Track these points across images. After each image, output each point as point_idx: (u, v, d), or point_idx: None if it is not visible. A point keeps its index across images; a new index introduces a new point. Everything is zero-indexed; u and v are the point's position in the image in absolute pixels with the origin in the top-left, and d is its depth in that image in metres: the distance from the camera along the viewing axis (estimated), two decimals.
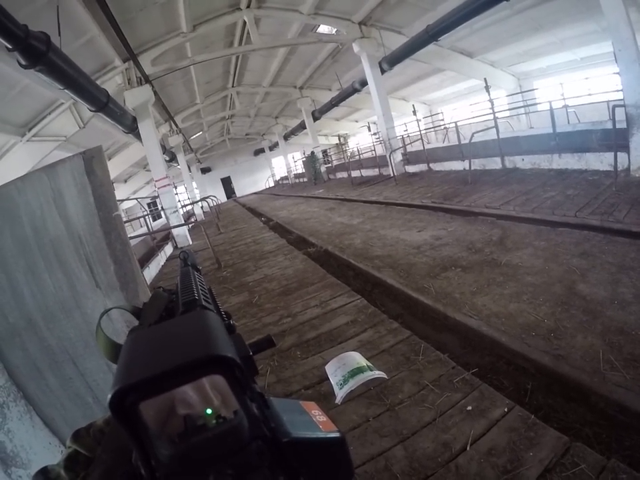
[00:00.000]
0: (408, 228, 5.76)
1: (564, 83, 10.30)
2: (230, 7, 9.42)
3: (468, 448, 1.54)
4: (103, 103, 7.35)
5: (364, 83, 11.71)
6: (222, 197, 28.02)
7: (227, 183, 31.27)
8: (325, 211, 9.40)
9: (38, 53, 4.87)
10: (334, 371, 2.33)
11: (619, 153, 4.90)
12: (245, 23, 9.89)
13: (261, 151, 30.40)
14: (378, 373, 2.20)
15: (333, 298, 3.63)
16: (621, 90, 5.13)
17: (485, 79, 7.73)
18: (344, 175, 15.81)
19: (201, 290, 0.49)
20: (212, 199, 13.42)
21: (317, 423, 0.34)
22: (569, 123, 6.66)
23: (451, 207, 6.22)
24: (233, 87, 15.75)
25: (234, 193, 31.06)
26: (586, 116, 7.31)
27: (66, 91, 6.16)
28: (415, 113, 12.00)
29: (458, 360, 2.33)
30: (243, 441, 0.27)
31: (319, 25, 10.91)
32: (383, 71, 10.86)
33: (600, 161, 5.37)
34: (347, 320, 3.13)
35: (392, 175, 10.57)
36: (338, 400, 2.05)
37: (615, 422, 1.59)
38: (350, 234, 6.29)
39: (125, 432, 0.24)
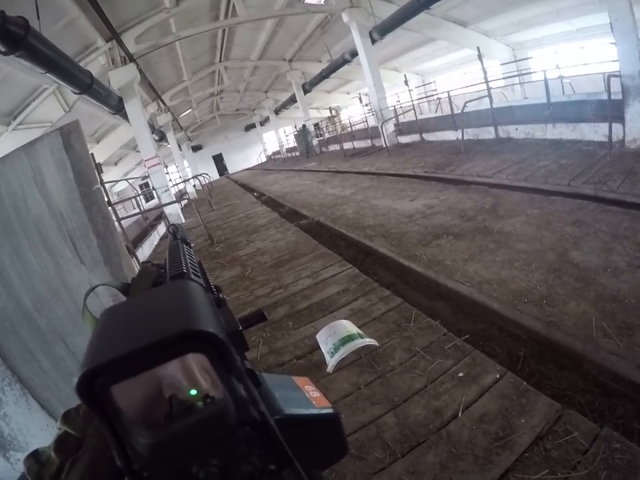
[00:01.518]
0: (400, 197, 5.64)
1: (559, 53, 9.91)
2: None
3: (459, 415, 1.49)
4: (87, 85, 7.08)
5: (354, 54, 11.18)
6: (214, 175, 27.48)
7: (218, 160, 30.61)
8: (317, 183, 9.19)
9: (17, 37, 4.72)
10: (325, 340, 2.26)
11: (613, 124, 4.74)
12: None
13: (252, 126, 29.52)
14: (369, 341, 2.12)
15: (325, 268, 3.55)
16: (617, 61, 4.88)
17: (478, 48, 7.34)
18: (336, 147, 15.43)
19: (190, 263, 0.47)
20: (204, 177, 13.13)
21: (310, 399, 0.32)
22: (563, 93, 6.41)
23: (444, 176, 6.06)
24: (220, 62, 15.10)
25: (226, 169, 30.46)
26: (581, 87, 7.03)
27: (48, 75, 5.95)
28: (406, 83, 11.53)
29: (450, 327, 2.27)
30: (229, 426, 0.24)
31: None
32: (373, 41, 10.36)
33: (594, 132, 5.20)
34: (339, 289, 3.06)
35: (384, 145, 10.29)
36: (329, 369, 1.99)
37: (607, 390, 1.54)
38: (342, 205, 6.16)
39: (97, 419, 0.21)
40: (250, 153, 30.24)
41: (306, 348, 2.34)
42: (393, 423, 1.54)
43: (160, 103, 14.19)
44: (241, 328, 0.29)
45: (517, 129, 6.67)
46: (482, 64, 7.29)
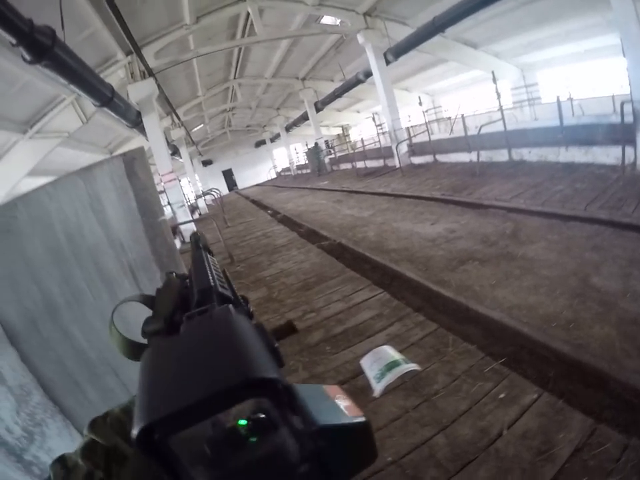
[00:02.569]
0: (420, 221, 5.88)
1: (568, 75, 10.23)
2: None
3: (504, 433, 1.72)
4: (108, 98, 7.25)
5: (368, 74, 11.70)
6: (224, 190, 28.20)
7: (228, 175, 31.46)
8: (333, 203, 9.47)
9: (43, 47, 4.75)
10: (370, 365, 2.53)
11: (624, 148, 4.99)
12: (248, 14, 9.85)
13: (262, 142, 30.52)
14: (412, 366, 2.40)
15: (355, 292, 3.72)
16: (627, 84, 5.18)
17: (493, 72, 7.75)
18: (347, 166, 15.88)
19: (216, 274, 0.46)
20: (215, 192, 13.51)
21: (342, 408, 0.33)
22: (573, 115, 6.72)
23: (461, 199, 6.31)
24: (234, 78, 15.76)
25: (235, 185, 31.22)
26: (590, 108, 7.35)
27: (71, 85, 6.06)
28: (420, 103, 11.99)
29: (483, 351, 2.49)
30: (292, 464, 0.25)
31: (323, 16, 10.88)
32: (387, 62, 10.87)
33: (606, 155, 5.46)
34: (372, 314, 3.24)
35: (398, 166, 10.65)
36: (377, 393, 2.25)
37: (631, 405, 1.78)
38: (362, 227, 6.40)
39: (157, 468, 0.23)
40: (260, 169, 31.09)
41: (348, 373, 2.51)
42: (443, 443, 1.77)
43: (174, 117, 14.63)
44: (277, 345, 0.29)
45: (530, 152, 6.97)
46: (496, 86, 7.65)
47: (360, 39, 10.76)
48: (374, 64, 10.90)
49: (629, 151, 4.98)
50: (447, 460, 1.65)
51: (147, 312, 0.46)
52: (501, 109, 7.52)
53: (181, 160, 19.10)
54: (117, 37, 7.62)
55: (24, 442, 1.56)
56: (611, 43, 8.47)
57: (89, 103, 7.89)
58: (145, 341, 0.42)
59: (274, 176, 29.89)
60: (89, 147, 12.39)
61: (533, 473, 1.48)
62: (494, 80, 7.62)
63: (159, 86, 9.32)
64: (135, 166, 1.72)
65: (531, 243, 3.91)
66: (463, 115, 9.00)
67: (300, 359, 2.76)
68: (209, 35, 10.43)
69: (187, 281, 0.49)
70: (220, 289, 0.41)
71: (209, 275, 0.45)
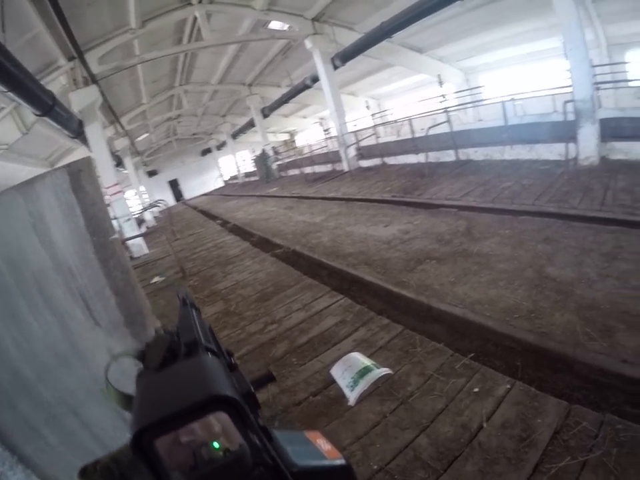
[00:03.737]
0: (374, 223, 6.07)
1: (510, 76, 11.26)
2: (181, 1, 9.35)
3: (484, 425, 1.79)
4: (48, 106, 7.00)
5: (315, 79, 12.10)
6: (170, 201, 28.04)
7: (174, 185, 31.62)
8: (284, 209, 9.55)
9: None
10: (341, 374, 2.52)
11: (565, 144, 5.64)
12: (195, 18, 9.87)
13: (208, 150, 31.21)
14: (384, 370, 2.43)
15: (315, 300, 3.76)
16: (569, 85, 5.86)
17: (439, 76, 8.34)
18: (296, 172, 16.17)
19: (201, 330, 0.54)
20: (161, 203, 13.27)
21: (322, 452, 0.38)
22: (516, 114, 7.46)
23: (413, 200, 6.64)
24: (180, 85, 15.78)
25: (182, 195, 31.39)
26: (531, 108, 8.19)
27: (10, 93, 5.79)
28: (368, 107, 12.54)
29: (450, 347, 2.60)
30: (247, 468, 0.33)
31: (271, 21, 11.11)
32: (335, 67, 11.30)
33: (549, 151, 6.13)
34: (336, 321, 3.28)
35: (347, 170, 10.95)
36: (352, 402, 2.24)
37: (599, 384, 1.95)
38: (315, 232, 6.47)
39: (145, 467, 0.31)
40: (206, 178, 31.57)
41: (319, 384, 2.51)
42: (426, 443, 1.80)
43: (118, 126, 14.34)
44: (252, 390, 0.37)
45: (476, 151, 7.58)
46: (442, 89, 8.24)
47: (308, 44, 11.12)
48: (321, 69, 11.28)
49: (571, 146, 5.62)
50: (433, 460, 1.67)
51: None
52: (446, 110, 8.09)
53: (125, 171, 18.63)
54: (60, 41, 7.34)
55: None
56: (552, 46, 9.60)
57: (29, 112, 7.48)
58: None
59: (221, 185, 30.51)
60: (29, 160, 11.84)
61: (517, 460, 1.54)
62: (440, 83, 8.22)
63: (102, 93, 9.13)
64: (81, 178, 1.59)
65: (484, 239, 4.19)
66: (410, 118, 9.53)
67: None
68: (155, 40, 10.34)
69: (175, 336, 0.54)
70: (204, 342, 0.48)
71: (195, 329, 0.52)
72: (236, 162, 25.60)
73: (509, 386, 1.99)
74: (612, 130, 5.70)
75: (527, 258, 3.41)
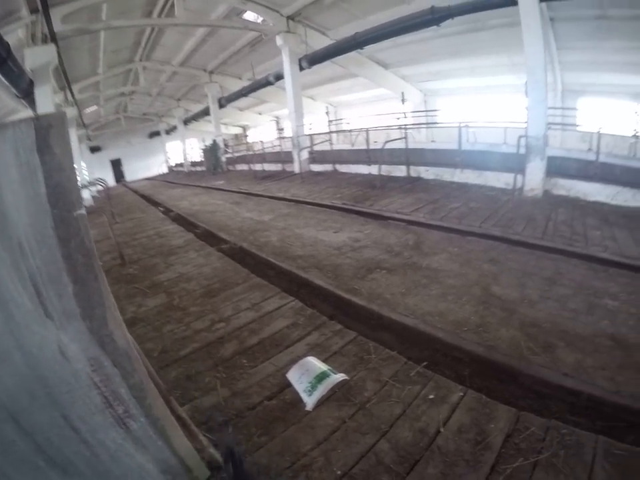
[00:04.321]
0: (324, 228, 6.18)
1: (466, 103, 12.24)
2: None
3: (441, 430, 1.92)
4: (2, 58, 6.43)
5: (279, 77, 12.22)
6: (110, 181, 26.71)
7: (116, 165, 30.59)
8: (231, 204, 9.39)
9: None
10: (298, 378, 2.53)
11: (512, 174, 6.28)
12: None
13: (157, 133, 30.57)
14: (341, 376, 2.50)
15: (265, 300, 3.74)
16: (520, 122, 6.56)
17: (402, 93, 8.85)
18: (244, 167, 16.12)
19: None
20: (101, 183, 12.32)
21: None
22: (467, 140, 8.13)
23: (364, 209, 6.89)
24: (140, 60, 15.35)
25: (123, 176, 30.39)
26: (482, 136, 8.98)
27: None
28: (327, 113, 12.83)
29: (401, 356, 2.75)
30: None
31: (246, 11, 11.05)
32: (301, 68, 11.49)
33: (497, 179, 6.78)
34: (287, 323, 3.28)
35: (297, 172, 11.04)
36: (309, 407, 2.26)
37: (541, 394, 2.19)
38: (264, 231, 6.43)
39: None
40: (151, 162, 30.89)
41: (273, 387, 2.47)
42: (387, 448, 1.87)
43: (68, 93, 13.21)
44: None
45: (427, 170, 8.11)
46: (403, 107, 8.71)
47: (279, 40, 11.20)
48: (288, 68, 11.39)
49: (519, 177, 6.27)
50: (395, 464, 1.74)
51: None
52: (404, 127, 8.56)
53: None
54: None
55: None
56: (510, 82, 10.64)
57: None
58: None
59: (166, 171, 29.78)
60: None
61: (475, 462, 1.68)
62: (402, 101, 8.69)
63: (59, 54, 8.38)
64: (50, 136, 1.32)
65: (434, 254, 4.49)
66: (367, 130, 9.92)
67: (216, 375, 2.62)
68: (124, 9, 9.92)
69: None
70: None
71: None
72: (184, 149, 25.22)
73: (461, 393, 2.16)
74: (557, 167, 6.51)
75: (474, 276, 3.73)
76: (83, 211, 1.42)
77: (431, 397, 2.19)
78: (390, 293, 3.75)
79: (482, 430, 1.86)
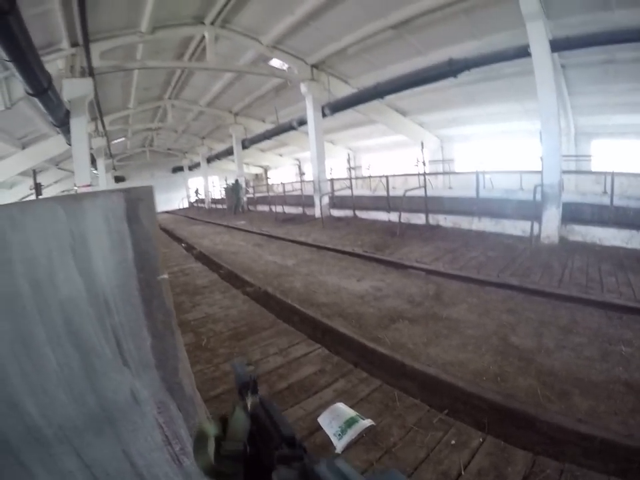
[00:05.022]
0: (346, 276, 6.47)
1: (482, 148, 12.78)
2: (194, 18, 9.97)
3: (463, 473, 2.14)
4: (43, 88, 6.96)
5: (302, 122, 13.07)
6: None
7: None
8: (253, 246, 9.82)
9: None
10: (329, 422, 2.80)
11: (528, 222, 6.58)
12: (203, 38, 10.51)
13: (180, 168, 32.43)
14: (368, 421, 2.75)
15: (292, 346, 3.95)
16: (536, 171, 6.94)
17: (422, 143, 9.44)
18: (265, 208, 16.84)
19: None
20: None
21: None
22: (484, 187, 8.54)
23: (384, 258, 7.18)
24: (169, 99, 16.64)
25: None
26: (498, 181, 9.39)
27: (10, 63, 5.73)
28: (349, 160, 13.56)
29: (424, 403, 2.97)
30: None
31: (273, 58, 11.98)
32: (324, 115, 12.32)
33: (514, 227, 7.09)
34: (314, 369, 3.50)
35: (318, 216, 11.57)
36: (339, 449, 2.51)
37: (556, 440, 2.39)
38: (287, 276, 6.74)
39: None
40: (173, 196, 32.21)
41: (303, 431, 2.69)
42: None
43: (99, 124, 14.35)
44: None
45: (445, 218, 8.48)
46: (422, 155, 9.29)
47: (303, 88, 12.13)
48: (311, 114, 12.25)
49: (535, 225, 6.56)
50: None
51: None
52: (424, 175, 9.07)
53: (95, 171, 18.47)
54: (69, 23, 7.51)
55: None
56: (525, 128, 11.19)
57: (19, 88, 7.41)
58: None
59: (186, 205, 31.43)
60: (1, 135, 11.71)
61: None
62: (422, 149, 9.26)
63: (95, 88, 9.24)
64: (139, 208, 1.48)
65: (453, 304, 4.74)
66: (387, 177, 10.49)
67: None
68: (158, 49, 10.87)
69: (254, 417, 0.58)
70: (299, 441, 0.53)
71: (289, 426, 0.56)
72: (206, 186, 26.49)
73: (481, 439, 2.38)
74: (572, 213, 6.81)
75: (493, 326, 3.97)
76: (165, 276, 1.64)
77: (453, 442, 2.42)
78: (413, 343, 3.98)
79: (500, 473, 2.08)
